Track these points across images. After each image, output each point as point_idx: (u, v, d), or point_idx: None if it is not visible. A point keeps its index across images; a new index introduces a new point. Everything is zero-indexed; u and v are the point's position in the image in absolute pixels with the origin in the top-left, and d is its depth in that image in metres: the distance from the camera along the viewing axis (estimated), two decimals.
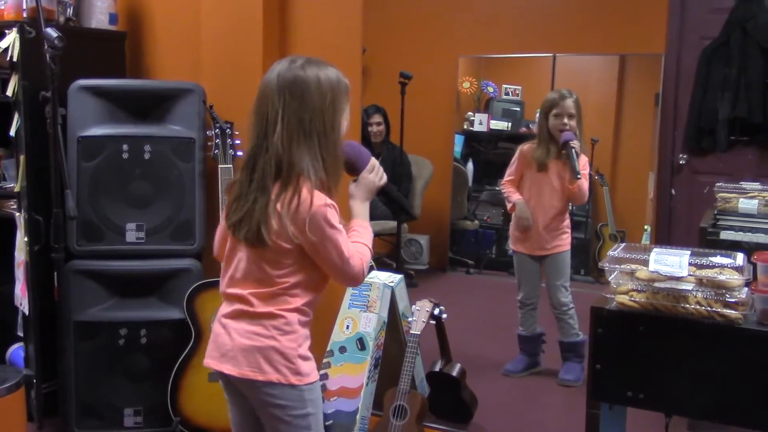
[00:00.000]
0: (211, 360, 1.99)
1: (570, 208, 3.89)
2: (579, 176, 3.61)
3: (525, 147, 3.92)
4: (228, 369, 1.94)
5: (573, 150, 3.62)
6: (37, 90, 2.92)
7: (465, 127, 6.36)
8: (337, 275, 1.94)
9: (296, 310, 1.93)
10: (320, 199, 1.84)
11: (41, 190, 3.05)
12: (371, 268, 3.24)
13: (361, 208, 2.04)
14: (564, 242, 3.85)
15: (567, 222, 3.87)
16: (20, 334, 3.26)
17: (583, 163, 3.69)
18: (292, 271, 1.90)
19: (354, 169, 2.03)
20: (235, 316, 1.94)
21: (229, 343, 1.94)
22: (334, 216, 1.87)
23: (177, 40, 3.61)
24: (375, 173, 2.06)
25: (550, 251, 3.84)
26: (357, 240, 1.97)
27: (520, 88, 6.28)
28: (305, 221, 1.82)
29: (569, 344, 3.85)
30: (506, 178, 3.97)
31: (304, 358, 1.94)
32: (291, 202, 1.82)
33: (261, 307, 1.91)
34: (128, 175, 3.16)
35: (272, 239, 1.85)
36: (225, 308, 1.99)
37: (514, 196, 3.89)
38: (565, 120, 3.71)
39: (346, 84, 1.94)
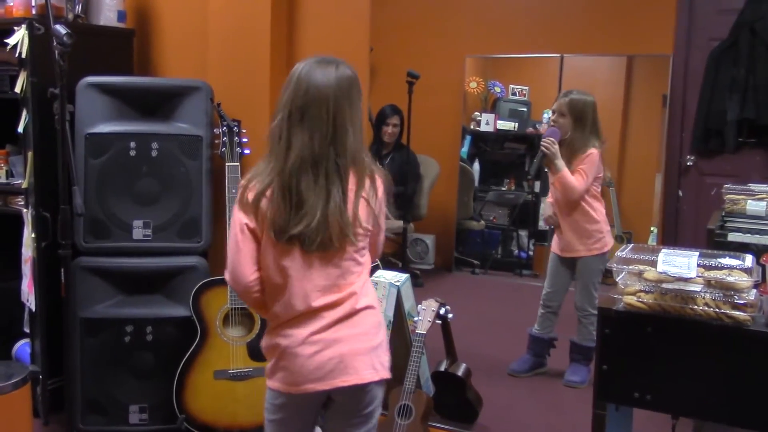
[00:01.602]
0: (312, 384, 1.88)
1: (596, 207, 3.77)
2: (529, 176, 3.67)
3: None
4: (345, 381, 1.87)
5: (541, 148, 3.65)
6: (46, 87, 2.92)
7: (472, 127, 6.35)
8: (377, 249, 2.05)
9: (371, 286, 2.00)
10: (381, 174, 1.96)
11: (49, 186, 3.06)
12: (377, 267, 3.24)
13: None
14: (591, 246, 3.75)
15: (596, 226, 3.75)
16: (27, 330, 3.27)
17: (582, 158, 3.65)
18: (367, 252, 1.99)
19: None
20: (332, 325, 1.88)
21: (336, 355, 1.87)
22: None
23: (185, 38, 3.61)
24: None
25: (579, 254, 3.78)
26: None
27: (527, 88, 6.27)
28: (381, 200, 1.95)
29: (582, 347, 3.83)
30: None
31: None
32: (371, 187, 1.91)
33: (363, 301, 1.92)
34: (135, 172, 3.16)
35: (364, 226, 1.90)
36: (312, 325, 1.89)
37: (546, 199, 3.93)
38: (554, 117, 3.74)
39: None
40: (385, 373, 1.95)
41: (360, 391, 1.92)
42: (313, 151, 1.83)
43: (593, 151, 3.67)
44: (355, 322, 1.90)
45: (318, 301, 1.88)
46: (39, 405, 3.14)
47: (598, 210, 3.77)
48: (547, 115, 5.98)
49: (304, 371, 1.89)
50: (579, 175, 3.65)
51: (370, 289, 2.00)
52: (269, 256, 1.90)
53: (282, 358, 1.93)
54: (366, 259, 1.98)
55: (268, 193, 1.86)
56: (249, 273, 1.93)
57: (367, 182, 1.90)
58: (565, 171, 3.64)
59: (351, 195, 1.86)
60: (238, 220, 1.91)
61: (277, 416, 2.02)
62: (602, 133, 3.78)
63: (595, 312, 3.74)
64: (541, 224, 3.88)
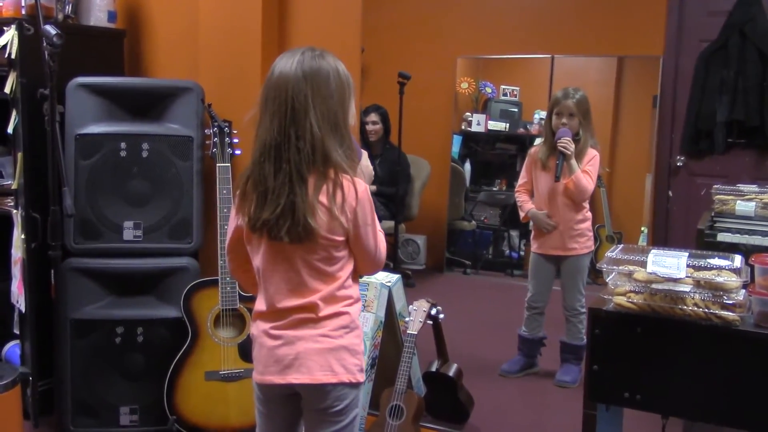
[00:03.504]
0: (271, 376, 1.91)
1: (587, 206, 3.84)
2: (557, 179, 3.67)
3: (532, 149, 3.98)
4: (297, 378, 1.88)
5: (561, 151, 3.65)
6: (36, 87, 2.91)
7: (463, 127, 6.36)
8: (368, 263, 1.96)
9: (356, 301, 1.94)
10: (361, 185, 1.87)
11: (39, 187, 3.05)
12: None
13: None
14: (582, 245, 3.81)
15: (586, 224, 3.82)
16: (16, 331, 3.25)
17: (588, 159, 3.71)
18: (345, 263, 1.91)
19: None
20: (295, 325, 1.89)
21: (292, 352, 1.88)
22: (372, 201, 1.91)
23: (176, 39, 3.61)
24: (368, 162, 2.10)
25: (568, 253, 3.81)
26: (378, 229, 1.98)
27: (518, 88, 6.29)
28: (355, 210, 1.84)
29: (572, 346, 3.84)
30: (518, 184, 4.00)
31: (362, 354, 1.96)
32: (336, 194, 1.81)
33: (326, 310, 1.88)
34: (126, 173, 3.15)
35: (323, 235, 1.82)
36: (275, 321, 1.91)
37: (526, 206, 3.92)
38: (564, 119, 3.73)
39: (351, 80, 1.95)
40: (348, 376, 1.90)
41: (317, 390, 1.90)
42: (273, 136, 1.81)
43: (597, 154, 3.76)
44: (318, 323, 1.89)
45: (281, 303, 1.90)
46: (29, 407, 3.12)
47: (587, 210, 3.84)
48: (538, 115, 6.00)
49: (267, 362, 1.92)
50: (587, 175, 3.70)
51: (342, 299, 1.91)
52: (248, 248, 1.95)
53: (254, 347, 1.98)
54: (336, 270, 1.89)
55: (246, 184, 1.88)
56: (234, 249, 2.02)
57: (328, 187, 1.81)
58: (579, 171, 3.68)
59: (310, 191, 1.80)
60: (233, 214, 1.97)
61: (258, 407, 2.05)
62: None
63: (584, 310, 3.78)
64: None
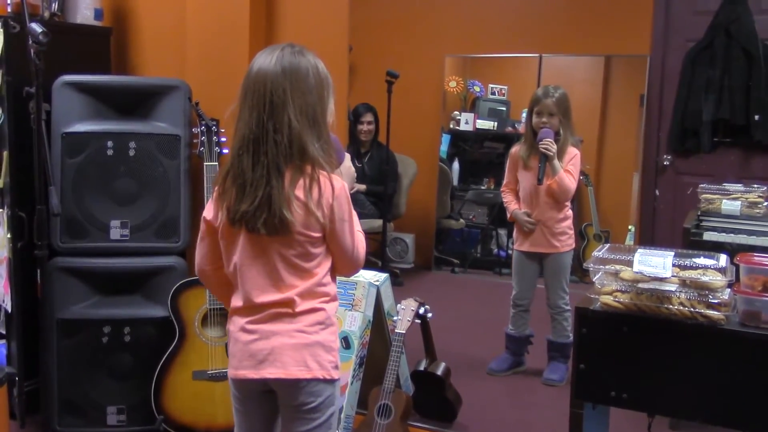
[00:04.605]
0: (245, 371, 1.91)
1: (569, 205, 3.85)
2: (540, 182, 3.66)
3: (513, 149, 3.97)
4: (271, 373, 1.88)
5: (543, 152, 3.64)
6: (21, 85, 2.89)
7: (451, 126, 6.37)
8: (345, 262, 1.96)
9: (332, 299, 1.95)
10: (338, 181, 1.88)
11: (25, 186, 3.03)
12: None
13: None
14: (564, 243, 3.82)
15: (567, 222, 3.83)
16: (2, 331, 3.23)
17: (569, 158, 3.72)
18: (322, 259, 1.91)
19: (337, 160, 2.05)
20: (271, 319, 1.90)
21: (267, 347, 1.89)
22: (350, 198, 1.92)
23: (163, 37, 3.59)
24: (350, 164, 2.12)
25: (549, 250, 3.82)
26: (357, 229, 1.98)
27: (506, 87, 6.30)
28: (331, 206, 1.85)
29: (558, 344, 3.86)
30: (503, 184, 4.01)
31: (337, 351, 1.97)
32: (312, 189, 1.82)
33: (302, 305, 1.89)
34: (113, 171, 3.13)
35: (299, 230, 1.83)
36: (251, 315, 1.91)
37: (511, 206, 3.93)
38: (545, 119, 3.73)
39: (331, 79, 1.96)
40: (322, 372, 1.90)
41: (291, 386, 1.90)
42: (251, 129, 1.83)
43: (578, 153, 3.76)
44: (294, 319, 1.90)
45: (258, 298, 1.90)
46: (15, 407, 3.10)
47: (569, 208, 3.86)
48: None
49: (242, 357, 1.93)
50: (569, 174, 3.70)
51: (319, 295, 1.92)
52: (223, 244, 1.95)
53: (229, 343, 1.99)
54: (313, 266, 1.90)
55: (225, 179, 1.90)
56: (205, 259, 2.04)
57: (305, 181, 1.82)
58: (562, 172, 3.68)
59: (287, 184, 1.81)
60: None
61: (235, 405, 2.04)
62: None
63: (568, 308, 3.79)
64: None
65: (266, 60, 1.86)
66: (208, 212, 1.97)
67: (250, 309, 1.92)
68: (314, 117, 1.86)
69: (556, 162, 3.66)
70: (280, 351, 1.88)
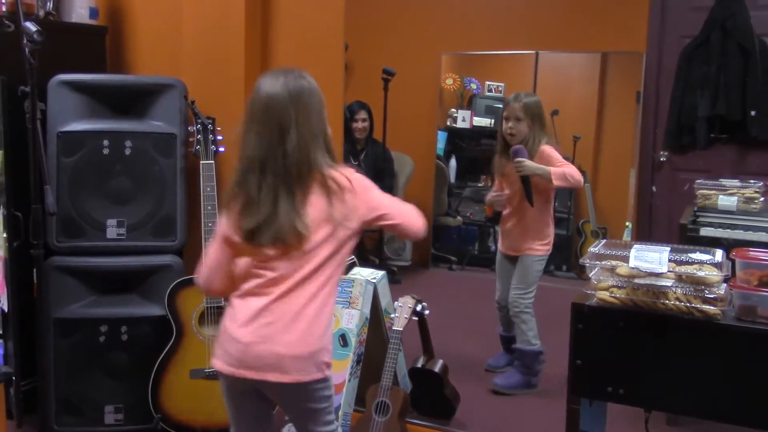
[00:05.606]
0: (248, 371, 1.99)
1: (550, 212, 3.73)
2: (531, 204, 3.55)
3: (495, 157, 3.87)
4: (275, 377, 1.97)
5: (521, 176, 3.50)
6: (16, 85, 2.88)
7: (448, 123, 6.37)
8: (409, 221, 2.15)
9: (332, 303, 2.06)
10: (345, 169, 2.03)
11: (20, 185, 3.01)
12: (353, 265, 3.24)
13: None
14: (535, 246, 3.68)
15: (546, 229, 3.70)
16: None
17: (546, 157, 3.55)
18: (329, 265, 2.01)
19: None
20: (275, 321, 1.97)
21: (271, 353, 1.96)
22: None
23: (158, 35, 3.59)
24: None
25: (521, 252, 3.72)
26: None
27: (503, 85, 6.30)
28: (354, 193, 2.00)
29: (518, 350, 3.74)
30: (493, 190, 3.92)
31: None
32: (329, 193, 1.96)
33: (311, 309, 1.98)
34: (109, 170, 3.13)
35: (308, 236, 1.95)
36: (256, 317, 1.99)
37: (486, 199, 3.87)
38: (511, 123, 3.62)
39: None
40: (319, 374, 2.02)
41: (294, 388, 2.02)
42: (259, 153, 1.96)
43: (545, 149, 3.58)
44: (296, 322, 1.99)
45: (261, 303, 2.00)
46: (12, 406, 3.10)
47: (550, 216, 3.73)
48: None
49: (237, 356, 2.01)
50: (561, 166, 3.54)
51: (325, 300, 2.03)
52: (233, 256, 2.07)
53: (223, 338, 2.06)
54: (327, 280, 2.02)
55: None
56: (213, 273, 2.14)
57: (317, 188, 1.97)
58: (554, 170, 3.49)
59: (300, 197, 1.95)
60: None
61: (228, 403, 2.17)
62: (551, 133, 3.74)
63: (527, 311, 3.67)
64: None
65: (273, 85, 2.00)
66: (225, 228, 2.06)
67: (254, 312, 2.01)
68: (317, 133, 2.00)
69: (540, 170, 3.48)
70: (287, 358, 1.98)
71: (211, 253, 2.10)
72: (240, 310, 2.01)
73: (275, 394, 2.07)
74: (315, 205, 1.96)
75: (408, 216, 2.15)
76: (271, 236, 1.94)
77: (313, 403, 2.04)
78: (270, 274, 1.98)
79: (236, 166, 2.01)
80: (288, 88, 1.98)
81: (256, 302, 1.99)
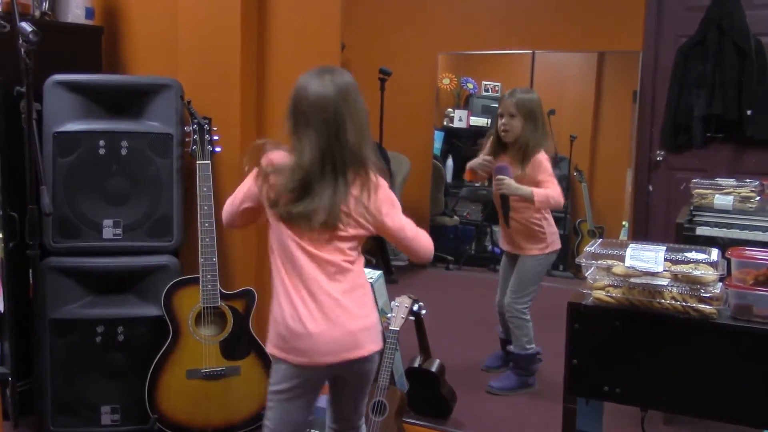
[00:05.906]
0: (324, 357, 2.11)
1: (550, 211, 3.65)
2: (508, 226, 3.55)
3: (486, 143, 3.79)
4: (354, 354, 2.12)
5: (501, 194, 3.48)
6: (12, 85, 2.88)
7: (445, 123, 6.37)
8: (414, 243, 2.26)
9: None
10: (383, 180, 2.19)
11: (16, 186, 3.02)
12: None
13: None
14: (535, 247, 3.62)
15: (542, 227, 3.60)
16: None
17: (537, 168, 3.49)
18: (357, 252, 2.21)
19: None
20: (339, 297, 2.13)
21: (341, 330, 2.11)
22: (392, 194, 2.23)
23: (154, 35, 3.58)
24: None
25: (520, 251, 3.67)
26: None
27: (499, 84, 6.30)
28: (382, 200, 2.16)
29: (513, 354, 3.71)
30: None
31: None
32: (369, 188, 2.12)
33: (354, 292, 2.16)
34: (105, 171, 3.13)
35: (350, 222, 2.11)
36: (313, 304, 2.11)
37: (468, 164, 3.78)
38: (504, 120, 3.55)
39: None
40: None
41: (363, 361, 2.20)
42: (321, 148, 2.07)
43: (540, 157, 3.50)
44: (347, 300, 2.18)
45: (319, 287, 2.14)
46: (8, 407, 3.09)
47: (545, 213, 3.64)
48: None
49: (308, 344, 2.13)
50: (547, 184, 3.48)
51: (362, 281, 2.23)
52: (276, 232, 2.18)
53: (286, 332, 2.16)
54: (353, 261, 2.18)
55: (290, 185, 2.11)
56: (238, 214, 2.27)
57: (359, 182, 2.11)
58: (537, 191, 3.43)
59: (349, 188, 2.10)
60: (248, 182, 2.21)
61: (284, 394, 2.23)
62: (550, 133, 3.66)
63: (524, 317, 3.61)
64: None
65: (322, 85, 2.09)
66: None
67: (312, 298, 2.14)
68: (364, 129, 2.13)
69: (521, 190, 3.45)
70: (358, 332, 2.16)
71: (238, 202, 2.23)
72: (299, 305, 2.13)
73: (352, 373, 2.20)
74: (352, 203, 2.11)
75: (421, 236, 2.28)
76: (323, 221, 2.06)
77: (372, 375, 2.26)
78: (324, 256, 2.12)
79: (299, 157, 2.08)
80: (336, 84, 2.09)
81: (317, 289, 2.12)
